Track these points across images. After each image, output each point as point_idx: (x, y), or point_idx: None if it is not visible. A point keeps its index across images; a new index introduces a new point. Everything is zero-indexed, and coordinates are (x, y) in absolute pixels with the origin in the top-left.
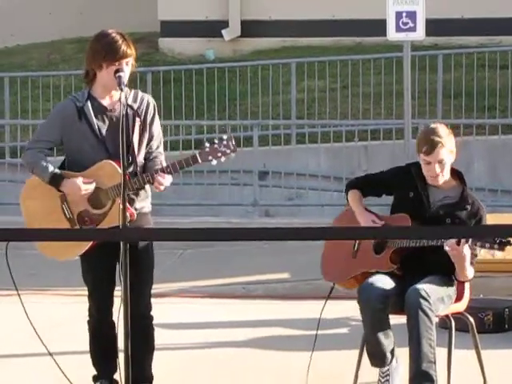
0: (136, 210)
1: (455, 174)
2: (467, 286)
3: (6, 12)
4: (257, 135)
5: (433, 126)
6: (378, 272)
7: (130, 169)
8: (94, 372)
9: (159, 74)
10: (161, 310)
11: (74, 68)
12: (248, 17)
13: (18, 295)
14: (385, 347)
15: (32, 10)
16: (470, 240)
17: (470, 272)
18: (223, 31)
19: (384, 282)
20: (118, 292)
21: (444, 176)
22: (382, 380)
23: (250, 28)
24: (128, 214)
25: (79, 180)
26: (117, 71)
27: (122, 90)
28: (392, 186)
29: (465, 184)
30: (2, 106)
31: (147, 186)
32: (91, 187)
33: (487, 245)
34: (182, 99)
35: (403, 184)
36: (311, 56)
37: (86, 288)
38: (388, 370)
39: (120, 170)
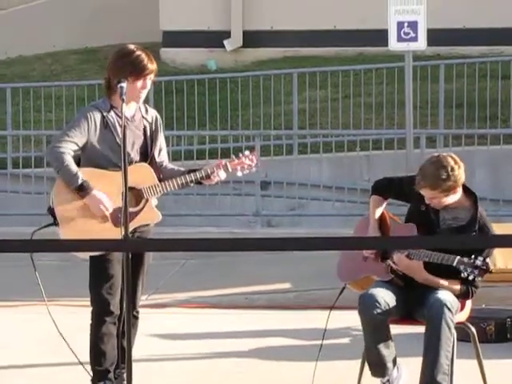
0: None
1: (470, 195)
2: None
3: (8, 22)
4: (259, 145)
5: (431, 161)
6: (380, 280)
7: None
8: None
9: (161, 85)
10: (163, 321)
11: (76, 78)
12: (250, 27)
13: (46, 305)
14: (385, 358)
15: (34, 20)
16: (455, 263)
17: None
18: (225, 41)
19: (385, 293)
20: None
21: (443, 202)
22: None
23: (252, 38)
24: (160, 216)
25: (105, 198)
26: (118, 82)
27: (123, 100)
28: (408, 195)
29: (476, 208)
30: (4, 117)
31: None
32: (111, 208)
33: (468, 269)
34: (184, 110)
35: (417, 195)
36: (313, 66)
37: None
38: (388, 380)
39: (154, 174)
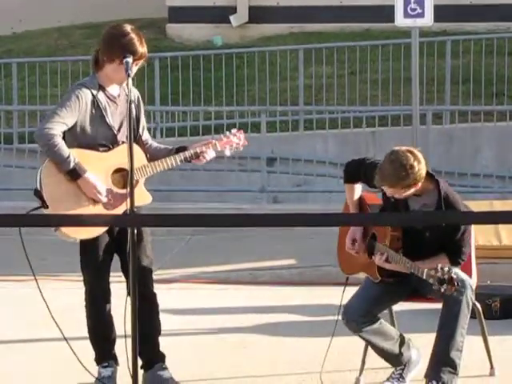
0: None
1: (431, 177)
2: (474, 272)
3: None
4: (265, 121)
5: (389, 160)
6: (368, 279)
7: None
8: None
9: (167, 60)
10: (168, 296)
11: (81, 54)
12: (256, 3)
13: (35, 280)
14: (390, 349)
15: None
16: (424, 275)
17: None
18: (231, 17)
19: (365, 296)
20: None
21: (406, 196)
22: (397, 368)
23: (258, 14)
24: (151, 197)
25: (98, 182)
26: (124, 57)
27: (129, 75)
28: (373, 183)
29: (439, 190)
30: (10, 92)
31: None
32: (104, 191)
33: (437, 284)
34: (190, 85)
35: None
36: (319, 42)
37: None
38: (403, 368)
39: (144, 155)
